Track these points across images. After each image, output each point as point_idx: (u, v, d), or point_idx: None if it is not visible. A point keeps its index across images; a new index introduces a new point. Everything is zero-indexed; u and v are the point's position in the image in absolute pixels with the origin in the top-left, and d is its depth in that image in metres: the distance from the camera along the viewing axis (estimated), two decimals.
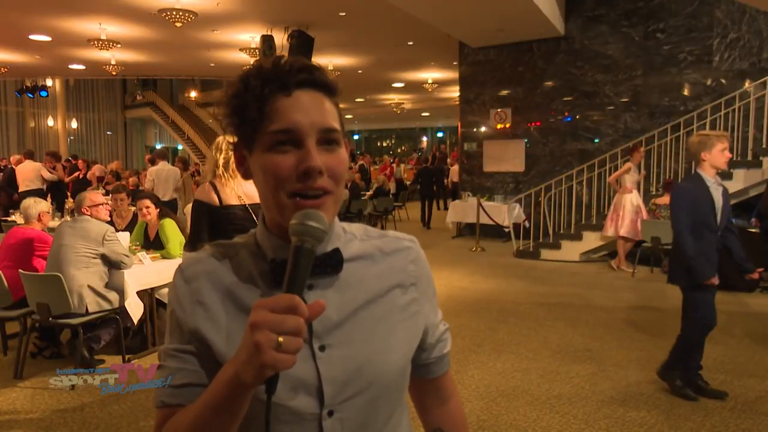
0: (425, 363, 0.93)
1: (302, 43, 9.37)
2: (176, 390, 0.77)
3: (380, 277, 0.84)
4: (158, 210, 4.67)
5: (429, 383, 0.97)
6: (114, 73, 13.33)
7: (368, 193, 12.03)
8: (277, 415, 0.75)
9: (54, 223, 5.37)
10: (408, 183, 16.50)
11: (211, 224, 2.69)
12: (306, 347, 0.76)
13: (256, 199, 2.82)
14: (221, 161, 2.77)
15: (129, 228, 5.04)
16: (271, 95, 0.74)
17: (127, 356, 4.09)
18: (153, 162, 9.41)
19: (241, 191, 2.71)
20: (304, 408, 0.76)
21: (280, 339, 0.59)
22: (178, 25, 8.41)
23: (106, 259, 3.93)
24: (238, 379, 0.63)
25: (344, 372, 0.77)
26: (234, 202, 2.70)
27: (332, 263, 0.79)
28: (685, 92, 8.26)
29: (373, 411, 0.81)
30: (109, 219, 4.27)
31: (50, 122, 22.16)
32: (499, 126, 9.87)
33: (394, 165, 17.58)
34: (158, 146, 29.03)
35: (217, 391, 0.67)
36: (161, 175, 8.62)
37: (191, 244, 2.77)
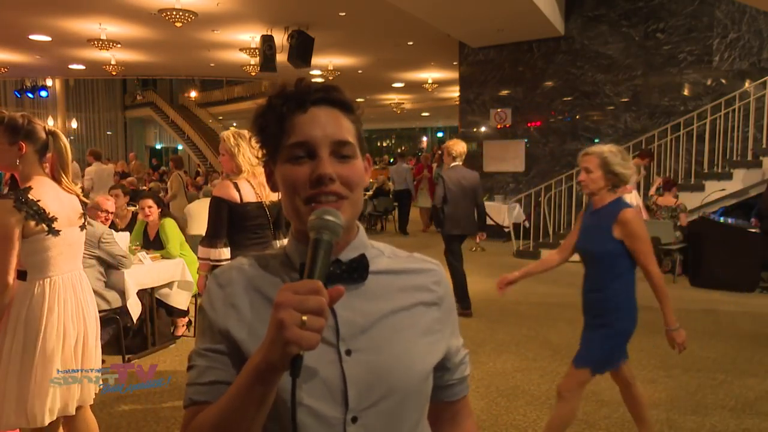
0: (447, 384, 0.95)
1: (302, 43, 9.36)
2: (204, 387, 0.79)
3: (405, 292, 0.88)
4: (159, 210, 4.66)
5: (447, 407, 0.98)
6: (114, 73, 13.32)
7: (368, 193, 12.02)
8: (303, 420, 0.76)
9: None
10: None
11: (231, 221, 2.77)
12: (333, 351, 0.79)
13: (272, 197, 2.87)
14: (248, 152, 2.79)
15: (128, 228, 5.03)
16: (290, 112, 0.82)
17: (127, 356, 4.08)
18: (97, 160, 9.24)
19: (259, 188, 2.80)
20: (328, 412, 0.77)
21: (304, 317, 0.62)
22: (178, 25, 8.41)
23: (103, 261, 3.92)
24: (265, 362, 0.66)
25: (369, 376, 0.80)
26: (251, 199, 2.79)
27: (359, 269, 0.82)
28: (685, 92, 8.27)
29: (397, 419, 0.82)
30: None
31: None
32: (499, 126, 9.88)
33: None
34: (158, 146, 29.08)
35: (245, 378, 0.69)
36: (99, 174, 8.68)
37: (209, 240, 2.79)
